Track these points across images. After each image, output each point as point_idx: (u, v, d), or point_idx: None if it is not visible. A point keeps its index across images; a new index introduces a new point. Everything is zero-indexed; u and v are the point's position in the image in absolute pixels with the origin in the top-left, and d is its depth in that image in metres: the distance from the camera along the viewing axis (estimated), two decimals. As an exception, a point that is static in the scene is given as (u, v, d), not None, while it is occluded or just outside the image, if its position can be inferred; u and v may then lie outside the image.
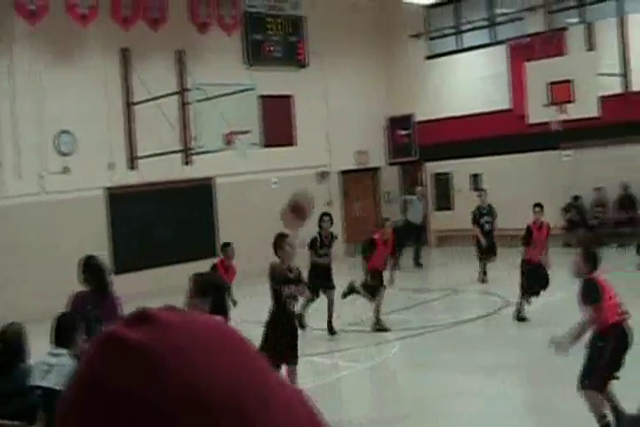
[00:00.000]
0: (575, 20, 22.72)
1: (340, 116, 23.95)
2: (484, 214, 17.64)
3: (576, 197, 21.64)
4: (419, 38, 25.37)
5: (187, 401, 0.72)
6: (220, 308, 5.80)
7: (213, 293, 5.81)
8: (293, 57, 23.22)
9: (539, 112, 20.46)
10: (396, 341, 12.78)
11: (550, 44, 21.77)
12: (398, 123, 25.70)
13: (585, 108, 19.65)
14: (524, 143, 22.14)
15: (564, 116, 19.98)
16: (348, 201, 24.70)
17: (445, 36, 25.36)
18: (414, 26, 25.26)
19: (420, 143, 25.21)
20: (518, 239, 14.24)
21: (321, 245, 13.73)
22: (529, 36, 22.76)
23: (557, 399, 8.98)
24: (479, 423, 8.79)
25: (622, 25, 21.36)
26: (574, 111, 19.78)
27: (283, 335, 8.88)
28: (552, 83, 20.16)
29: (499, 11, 24.16)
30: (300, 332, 9.71)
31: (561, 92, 20.06)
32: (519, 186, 22.02)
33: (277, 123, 21.97)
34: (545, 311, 13.23)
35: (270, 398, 0.76)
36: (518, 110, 22.05)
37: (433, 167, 25.29)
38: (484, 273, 17.43)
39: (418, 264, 20.93)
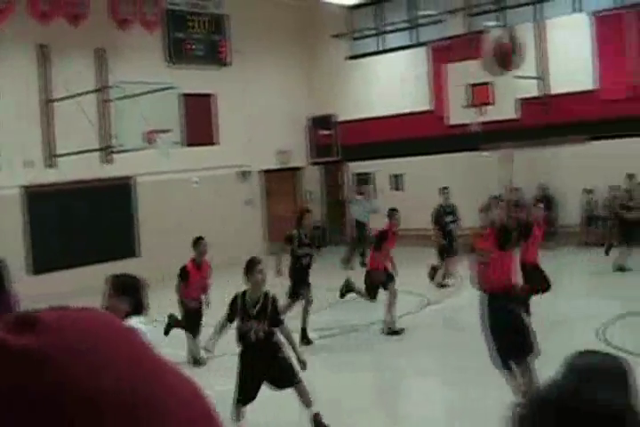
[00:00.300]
0: (494, 23, 23.06)
1: (262, 115, 23.92)
2: (448, 213, 17.07)
3: (495, 198, 21.90)
4: (341, 39, 25.48)
5: (74, 403, 0.71)
6: (139, 308, 5.76)
7: (131, 293, 5.78)
8: (215, 55, 23.11)
9: (459, 114, 20.73)
10: (317, 340, 12.80)
11: (470, 46, 22.05)
12: (320, 123, 25.76)
13: (504, 110, 19.98)
14: (444, 144, 22.39)
15: (483, 118, 20.28)
16: (270, 200, 24.67)
17: (367, 36, 25.52)
18: (336, 26, 25.37)
19: (342, 143, 25.31)
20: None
21: (299, 244, 12.81)
22: (449, 38, 23.04)
23: (478, 401, 9.07)
24: (400, 424, 8.84)
25: (540, 29, 21.77)
26: (493, 113, 20.10)
27: (253, 370, 8.18)
28: (472, 85, 20.45)
29: (420, 13, 24.39)
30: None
31: (480, 94, 20.36)
32: (439, 186, 22.20)
33: (199, 122, 21.83)
34: (467, 313, 13.33)
35: (165, 395, 0.75)
36: (439, 111, 22.30)
37: (355, 167, 25.42)
38: (444, 276, 16.58)
39: (364, 264, 20.25)
